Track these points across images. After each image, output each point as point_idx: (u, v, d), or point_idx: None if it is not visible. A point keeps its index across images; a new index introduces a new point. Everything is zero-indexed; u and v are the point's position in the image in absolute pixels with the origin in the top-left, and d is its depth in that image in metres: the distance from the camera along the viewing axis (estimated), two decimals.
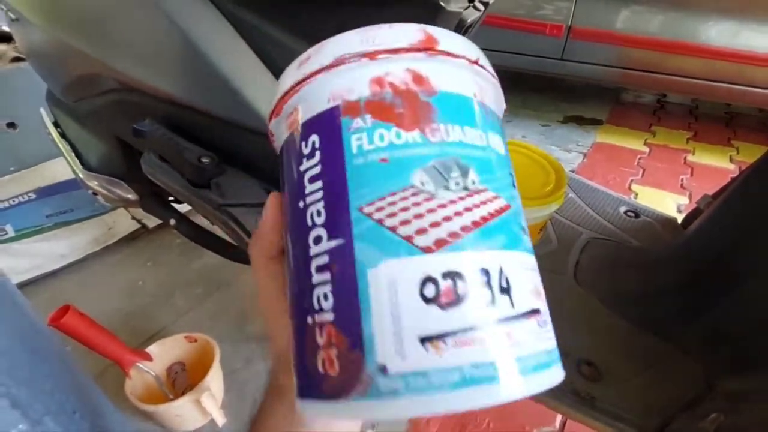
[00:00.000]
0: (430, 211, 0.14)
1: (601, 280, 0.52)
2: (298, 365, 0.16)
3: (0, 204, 1.19)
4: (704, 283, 0.45)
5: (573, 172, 1.52)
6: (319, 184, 0.16)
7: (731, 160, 1.63)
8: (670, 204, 1.34)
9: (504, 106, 0.20)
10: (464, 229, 0.14)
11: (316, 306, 0.15)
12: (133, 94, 0.54)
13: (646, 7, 1.54)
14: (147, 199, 0.72)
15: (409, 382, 0.13)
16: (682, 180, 1.48)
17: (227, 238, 0.73)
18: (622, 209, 0.68)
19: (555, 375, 0.15)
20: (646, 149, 1.70)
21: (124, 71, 0.51)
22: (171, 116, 0.53)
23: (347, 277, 0.14)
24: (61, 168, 1.26)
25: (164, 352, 0.74)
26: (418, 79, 0.16)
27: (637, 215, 0.67)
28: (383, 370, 0.13)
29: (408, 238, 0.14)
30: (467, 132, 0.16)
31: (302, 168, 0.17)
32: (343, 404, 0.14)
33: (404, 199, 0.14)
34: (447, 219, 0.14)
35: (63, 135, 0.79)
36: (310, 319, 0.15)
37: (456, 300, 0.13)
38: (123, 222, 1.18)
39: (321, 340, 0.15)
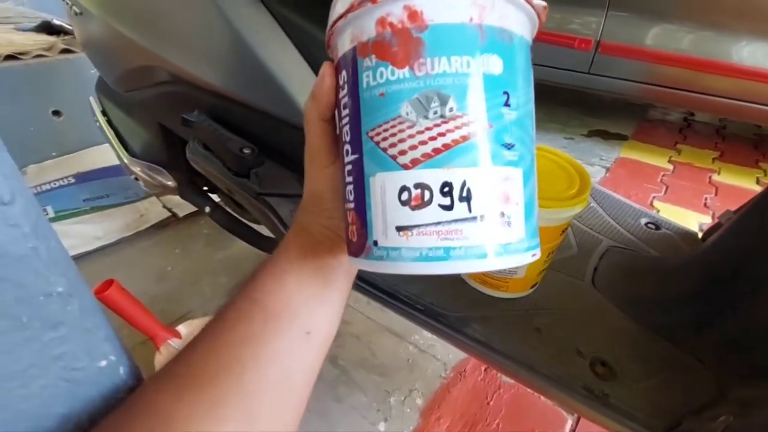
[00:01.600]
0: (411, 136, 0.18)
1: (618, 287, 0.53)
2: (344, 234, 0.23)
3: (42, 186, 1.27)
4: (718, 293, 0.46)
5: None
6: (347, 110, 0.21)
7: (758, 182, 1.60)
8: (692, 222, 1.33)
9: (533, 17, 0.21)
10: (435, 151, 0.18)
11: (347, 197, 0.21)
12: (183, 86, 0.58)
13: (678, 25, 1.53)
14: (185, 187, 0.77)
15: (389, 253, 0.19)
16: (706, 199, 1.47)
17: (256, 228, 0.77)
18: (643, 221, 0.69)
19: (509, 260, 0.19)
20: (670, 167, 1.69)
21: (178, 64, 0.55)
22: (217, 108, 0.57)
23: (359, 181, 0.20)
24: (100, 155, 1.33)
25: (191, 333, 0.78)
26: (413, 15, 0.18)
27: (657, 227, 0.68)
28: (375, 243, 0.20)
29: (393, 157, 0.19)
30: (452, 61, 0.18)
31: (339, 96, 0.22)
32: (359, 261, 0.21)
33: (393, 126, 0.19)
34: (423, 143, 0.18)
35: (110, 123, 0.84)
36: (345, 205, 0.22)
37: (421, 204, 0.18)
38: (154, 210, 1.24)
39: (349, 219, 0.21)
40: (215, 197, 0.81)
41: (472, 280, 0.51)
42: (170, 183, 0.77)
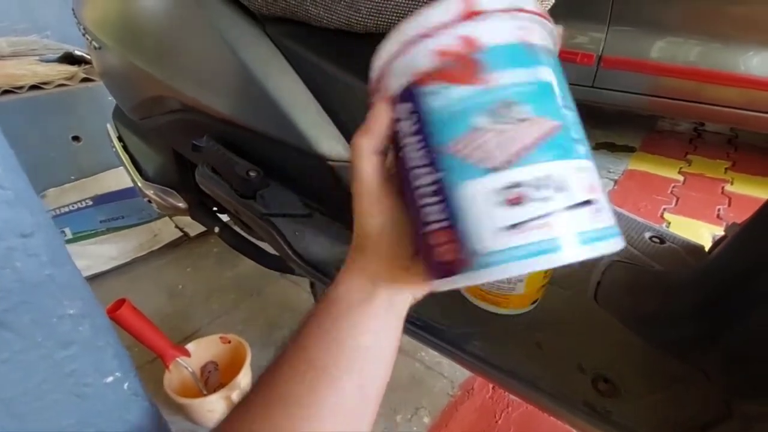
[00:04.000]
0: (494, 142, 0.20)
1: (621, 302, 0.53)
2: (425, 260, 0.24)
3: (61, 209, 1.32)
4: (724, 307, 0.46)
5: None
6: (418, 136, 0.22)
7: None
8: (705, 234, 1.31)
9: (554, 34, 0.24)
10: (523, 150, 0.20)
11: (432, 218, 0.22)
12: (193, 114, 0.61)
13: (684, 37, 1.54)
14: (195, 208, 0.79)
15: (496, 257, 0.20)
16: (718, 210, 1.44)
17: (264, 248, 0.79)
18: (647, 235, 0.68)
19: (607, 246, 0.20)
20: (681, 178, 1.67)
21: (189, 94, 0.58)
22: (225, 134, 0.59)
23: (449, 196, 0.21)
24: (116, 178, 1.38)
25: (200, 351, 0.79)
26: (468, 42, 0.21)
27: (662, 241, 0.67)
28: (477, 252, 0.20)
29: (482, 163, 0.20)
30: (515, 73, 0.21)
31: (400, 127, 0.23)
32: (458, 278, 0.21)
33: (474, 137, 0.20)
34: (508, 146, 0.20)
35: (125, 148, 0.88)
36: (428, 227, 0.22)
37: (521, 201, 0.19)
38: (167, 230, 1.28)
39: (436, 240, 0.22)
40: (225, 217, 0.83)
41: (472, 296, 0.51)
42: (181, 205, 0.80)
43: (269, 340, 0.93)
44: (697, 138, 2.08)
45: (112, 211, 1.34)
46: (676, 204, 1.48)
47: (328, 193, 0.58)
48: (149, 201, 0.83)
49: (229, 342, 0.80)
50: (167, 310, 1.03)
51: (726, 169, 1.75)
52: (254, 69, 0.52)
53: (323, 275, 0.55)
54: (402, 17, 0.44)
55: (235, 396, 0.69)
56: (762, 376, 0.40)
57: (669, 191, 1.57)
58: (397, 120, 0.24)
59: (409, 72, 0.22)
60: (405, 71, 0.23)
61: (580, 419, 0.42)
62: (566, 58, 1.70)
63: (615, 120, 2.18)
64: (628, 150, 1.92)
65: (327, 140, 0.53)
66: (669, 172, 1.71)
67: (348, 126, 0.53)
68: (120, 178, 1.35)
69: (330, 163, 0.53)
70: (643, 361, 0.46)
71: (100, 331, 0.23)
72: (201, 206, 0.79)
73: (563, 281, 0.56)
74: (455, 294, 0.53)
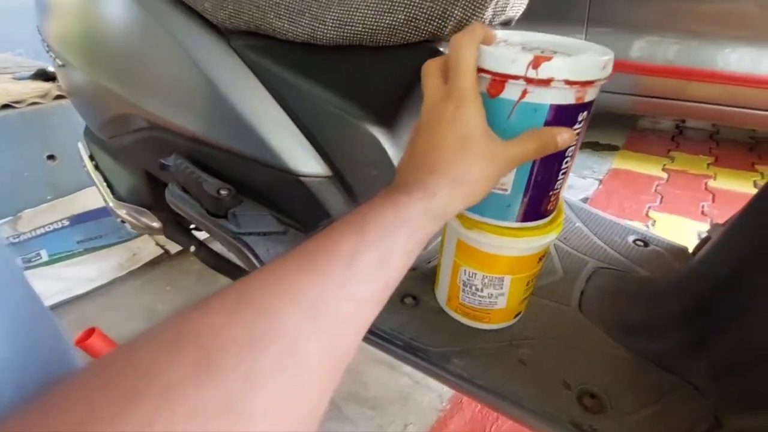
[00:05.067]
0: None
1: (606, 311, 0.52)
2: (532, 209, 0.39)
3: (36, 231, 1.28)
4: (709, 314, 0.45)
5: (587, 199, 1.51)
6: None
7: (755, 185, 1.59)
8: (690, 231, 1.31)
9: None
10: None
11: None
12: (160, 132, 0.59)
13: (661, 37, 1.55)
14: (170, 227, 0.77)
15: None
16: (702, 206, 1.45)
17: (242, 265, 0.76)
18: (631, 238, 0.67)
19: None
20: (665, 175, 1.68)
21: (154, 112, 0.56)
22: (194, 152, 0.57)
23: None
24: (93, 197, 1.34)
25: None
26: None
27: (646, 244, 0.67)
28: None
29: None
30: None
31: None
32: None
33: None
34: None
35: (97, 167, 0.85)
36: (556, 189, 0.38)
37: None
38: (147, 248, 1.24)
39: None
40: (202, 235, 0.81)
41: (454, 312, 0.50)
42: (155, 224, 0.77)
43: None
44: (679, 135, 2.10)
45: (90, 231, 1.30)
46: (661, 201, 1.49)
47: (302, 210, 0.56)
48: (122, 221, 0.80)
49: None
50: None
51: (708, 164, 1.77)
52: (220, 84, 0.51)
53: None
54: (368, 28, 0.43)
55: None
56: (752, 387, 0.39)
57: (653, 189, 1.57)
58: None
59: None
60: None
61: None
62: None
63: (598, 119, 2.19)
64: (612, 149, 1.94)
65: (299, 156, 0.52)
66: (652, 169, 1.73)
67: (319, 139, 0.52)
68: (97, 196, 1.30)
69: (303, 179, 0.52)
70: (629, 373, 0.45)
71: None
72: (176, 225, 0.77)
73: (547, 292, 0.54)
74: (437, 312, 0.51)
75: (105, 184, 0.82)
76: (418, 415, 0.76)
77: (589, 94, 0.34)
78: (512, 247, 0.41)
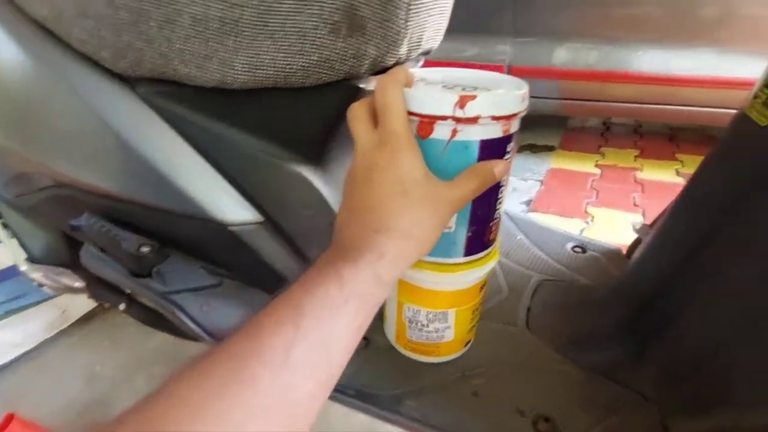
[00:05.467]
0: None
1: (552, 326, 0.53)
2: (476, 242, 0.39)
3: None
4: (646, 321, 0.47)
5: (531, 201, 1.58)
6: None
7: (678, 173, 1.73)
8: (625, 223, 1.40)
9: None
10: None
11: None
12: (68, 189, 0.53)
13: (580, 43, 1.66)
14: (94, 286, 0.70)
15: None
16: (634, 198, 1.55)
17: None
18: (569, 245, 0.70)
19: None
20: (598, 171, 1.79)
21: (58, 170, 0.51)
22: (108, 208, 0.52)
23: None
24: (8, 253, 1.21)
25: None
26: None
27: (584, 250, 0.69)
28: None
29: None
30: None
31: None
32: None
33: None
34: None
35: (6, 225, 0.76)
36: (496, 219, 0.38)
37: None
38: (77, 303, 1.13)
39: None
40: None
41: (404, 349, 0.48)
42: (77, 284, 0.70)
43: None
44: (607, 131, 2.25)
45: (9, 291, 1.16)
46: (597, 197, 1.58)
47: (236, 259, 0.53)
48: (40, 285, 0.72)
49: None
50: (85, 397, 0.90)
51: (635, 157, 1.91)
52: (129, 135, 0.47)
53: None
54: (281, 71, 0.41)
55: None
56: (693, 393, 0.40)
57: (589, 185, 1.67)
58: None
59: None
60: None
61: None
62: None
63: (533, 122, 2.30)
64: (549, 149, 2.04)
65: (225, 204, 0.48)
66: (587, 166, 1.83)
67: (245, 185, 0.49)
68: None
69: (232, 228, 0.48)
70: (580, 390, 0.46)
71: None
72: (100, 282, 0.70)
73: (494, 314, 0.55)
74: (388, 350, 0.49)
75: (18, 243, 0.74)
76: None
77: (513, 126, 0.34)
78: (454, 282, 0.41)
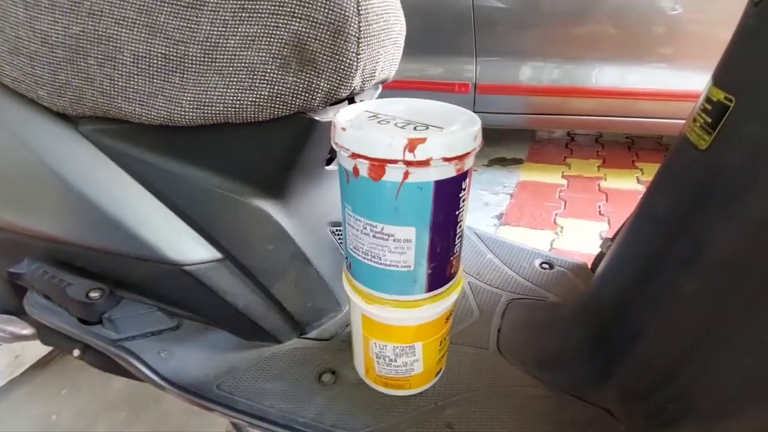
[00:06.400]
0: None
1: (522, 347, 0.53)
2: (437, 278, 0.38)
3: None
4: (609, 338, 0.47)
5: (502, 214, 1.60)
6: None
7: (638, 181, 1.80)
8: (592, 232, 1.44)
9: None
10: None
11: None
12: (4, 233, 0.50)
13: (542, 62, 1.73)
14: (45, 332, 0.65)
15: None
16: (599, 207, 1.60)
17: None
18: (537, 262, 0.71)
19: None
20: (564, 181, 1.84)
21: None
22: (52, 252, 0.49)
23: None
24: None
25: None
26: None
27: (551, 266, 0.70)
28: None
29: None
30: None
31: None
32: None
33: None
34: None
35: None
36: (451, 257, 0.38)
37: None
38: (31, 347, 1.06)
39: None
40: None
41: (376, 384, 0.47)
42: (26, 331, 0.65)
43: None
44: (572, 141, 2.33)
45: None
46: (565, 207, 1.62)
47: (194, 299, 0.50)
48: None
49: None
50: None
51: (598, 166, 1.98)
52: (72, 176, 0.44)
53: (204, 399, 0.46)
54: (231, 107, 0.40)
55: None
56: (658, 407, 0.40)
57: (557, 196, 1.71)
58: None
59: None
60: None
61: None
62: (445, 89, 1.82)
63: (502, 136, 2.36)
64: (517, 162, 2.09)
65: (179, 244, 0.46)
66: (554, 177, 1.88)
67: (200, 222, 0.47)
68: None
69: (188, 268, 0.46)
70: (550, 412, 0.45)
71: None
72: (52, 329, 0.65)
73: (466, 337, 0.54)
74: (357, 384, 0.48)
75: None
76: None
77: (467, 163, 0.34)
78: (418, 317, 0.40)
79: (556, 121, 1.82)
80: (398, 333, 0.41)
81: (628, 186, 1.76)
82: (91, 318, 0.48)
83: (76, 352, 0.64)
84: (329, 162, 0.52)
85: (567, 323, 0.54)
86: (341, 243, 0.56)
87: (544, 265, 0.70)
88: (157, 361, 0.47)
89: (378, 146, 0.30)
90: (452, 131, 0.31)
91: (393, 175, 0.31)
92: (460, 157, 0.32)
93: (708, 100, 0.34)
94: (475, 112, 1.80)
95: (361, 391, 0.47)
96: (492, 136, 2.37)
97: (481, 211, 1.65)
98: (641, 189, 1.71)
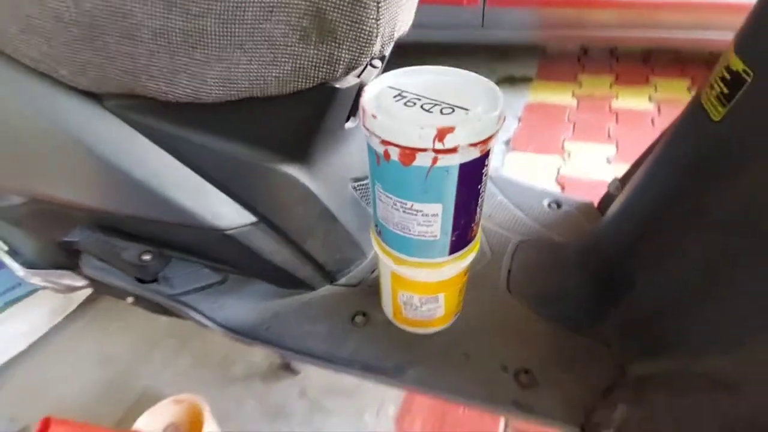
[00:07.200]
0: None
1: (529, 286, 0.59)
2: (460, 243, 0.42)
3: None
4: (614, 273, 0.53)
5: (510, 140, 1.59)
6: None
7: (650, 99, 1.75)
8: (600, 157, 1.44)
9: None
10: None
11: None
12: (49, 205, 0.53)
13: None
14: (98, 284, 0.72)
15: None
16: (608, 129, 1.59)
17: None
18: (545, 201, 0.74)
19: None
20: (574, 102, 1.79)
21: (37, 190, 0.50)
22: (99, 219, 0.53)
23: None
24: None
25: (154, 421, 0.77)
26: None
27: (559, 206, 0.74)
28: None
29: None
30: None
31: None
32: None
33: None
34: None
35: None
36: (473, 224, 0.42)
37: None
38: None
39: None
40: None
41: (401, 324, 0.54)
42: (80, 283, 0.72)
43: (225, 378, 0.92)
44: (584, 56, 2.21)
45: (5, 281, 1.17)
46: (573, 131, 1.60)
47: (236, 258, 0.55)
48: (42, 288, 0.74)
49: (183, 402, 0.78)
50: (104, 378, 0.96)
51: (611, 84, 1.90)
52: (106, 152, 0.46)
53: (257, 340, 0.54)
54: (256, 83, 0.40)
55: None
56: (650, 340, 0.47)
57: (566, 118, 1.68)
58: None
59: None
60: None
61: (510, 414, 0.48)
62: (454, 2, 1.68)
63: (511, 53, 2.23)
64: (527, 80, 2.01)
65: (218, 211, 0.50)
66: (563, 98, 1.83)
67: (234, 190, 0.50)
68: None
69: (228, 232, 0.50)
70: (553, 345, 0.52)
71: None
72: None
73: (479, 278, 0.60)
74: (387, 325, 0.55)
75: (5, 250, 0.74)
76: (389, 396, 0.84)
77: (490, 144, 0.36)
78: (441, 275, 0.45)
79: (569, 35, 1.71)
80: (424, 287, 0.46)
81: (640, 106, 1.72)
82: (147, 277, 0.53)
83: (130, 300, 0.71)
84: (347, 119, 0.53)
85: (571, 264, 0.60)
86: (362, 197, 0.60)
87: (552, 205, 0.74)
88: (211, 311, 0.54)
89: (409, 135, 0.32)
90: (478, 117, 0.33)
91: (422, 161, 0.33)
92: (485, 141, 0.33)
93: (727, 68, 0.35)
94: (483, 27, 1.74)
95: (390, 331, 0.54)
96: (500, 53, 2.24)
97: None
98: (652, 109, 1.67)
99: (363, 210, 0.60)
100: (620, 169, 0.81)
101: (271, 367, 0.93)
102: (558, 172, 1.41)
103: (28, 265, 0.72)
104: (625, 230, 0.54)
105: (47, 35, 0.41)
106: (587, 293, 0.55)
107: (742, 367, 0.33)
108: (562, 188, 1.33)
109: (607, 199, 0.71)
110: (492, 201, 0.74)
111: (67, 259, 0.70)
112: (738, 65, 0.33)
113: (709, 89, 0.37)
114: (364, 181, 0.60)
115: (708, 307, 0.40)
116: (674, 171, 0.43)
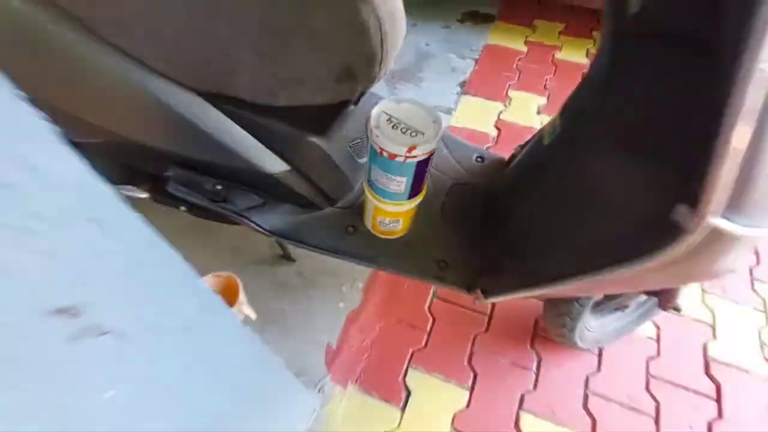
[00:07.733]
0: None
1: (454, 212, 0.97)
2: (415, 192, 0.79)
3: None
4: (502, 206, 0.92)
5: (465, 82, 1.86)
6: None
7: (587, 54, 2.04)
8: (532, 107, 1.78)
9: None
10: None
11: None
12: (141, 147, 0.80)
13: None
14: (158, 195, 1.01)
15: None
16: (546, 80, 1.90)
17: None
18: (474, 156, 1.10)
19: None
20: (525, 48, 2.05)
21: (132, 137, 0.77)
22: (184, 160, 0.81)
23: None
24: None
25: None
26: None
27: (483, 160, 1.10)
28: None
29: None
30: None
31: None
32: None
33: None
34: None
35: None
36: (425, 179, 0.79)
37: None
38: None
39: None
40: None
41: (376, 232, 0.91)
42: (142, 195, 1.00)
43: (240, 264, 1.28)
44: None
45: None
46: (518, 78, 1.90)
47: (277, 190, 0.87)
48: None
49: (219, 276, 1.15)
50: None
51: (559, 33, 2.15)
52: (201, 124, 0.74)
53: (291, 240, 0.89)
54: (304, 101, 0.69)
55: (246, 309, 1.08)
56: (514, 246, 0.88)
57: (514, 65, 1.96)
58: None
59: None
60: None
61: (435, 284, 0.89)
62: None
63: None
64: (490, 19, 2.20)
65: (266, 161, 0.81)
66: (517, 43, 2.07)
67: (277, 147, 0.80)
68: None
69: (273, 175, 0.82)
70: (461, 248, 0.93)
71: None
72: (163, 192, 1.01)
73: (424, 207, 0.97)
74: (367, 233, 0.92)
75: None
76: (361, 272, 1.25)
77: (432, 152, 0.69)
78: (402, 208, 0.81)
79: None
80: (392, 214, 0.83)
81: (578, 59, 2.01)
82: (218, 199, 0.84)
83: (184, 208, 1.02)
84: (354, 103, 0.82)
85: (480, 200, 0.98)
86: (354, 153, 0.92)
87: (479, 159, 1.10)
88: (262, 222, 0.87)
89: (393, 148, 0.65)
90: (428, 140, 0.65)
91: (399, 159, 0.66)
92: (430, 152, 0.67)
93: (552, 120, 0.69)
94: None
95: (370, 237, 0.92)
96: None
97: (448, 77, 1.90)
98: (586, 63, 1.98)
99: (354, 161, 0.93)
100: (546, 119, 1.16)
101: (274, 257, 1.30)
102: (498, 117, 1.74)
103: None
104: (509, 178, 0.92)
105: (166, 45, 0.65)
106: (487, 217, 0.95)
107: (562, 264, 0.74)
108: (499, 131, 1.68)
109: (512, 158, 1.08)
110: (439, 154, 1.09)
111: (130, 176, 0.97)
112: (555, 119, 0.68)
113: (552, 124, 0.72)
114: (356, 142, 0.91)
115: (538, 229, 0.80)
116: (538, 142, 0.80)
